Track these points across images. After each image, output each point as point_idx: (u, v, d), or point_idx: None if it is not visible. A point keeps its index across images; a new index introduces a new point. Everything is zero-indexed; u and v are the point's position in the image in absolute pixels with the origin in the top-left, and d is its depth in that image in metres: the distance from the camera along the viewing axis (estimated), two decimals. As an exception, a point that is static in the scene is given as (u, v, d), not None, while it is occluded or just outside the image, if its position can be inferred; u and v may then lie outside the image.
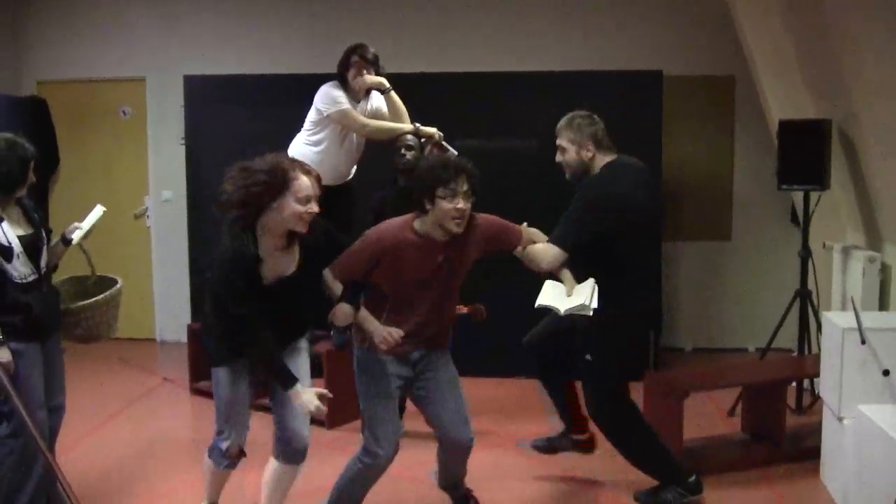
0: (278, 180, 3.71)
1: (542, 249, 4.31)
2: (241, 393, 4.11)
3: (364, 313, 4.09)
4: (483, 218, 4.16)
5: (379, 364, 4.14)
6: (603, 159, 4.50)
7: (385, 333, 4.02)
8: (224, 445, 4.17)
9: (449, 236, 4.01)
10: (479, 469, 4.90)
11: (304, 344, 4.24)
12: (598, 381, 4.61)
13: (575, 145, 4.50)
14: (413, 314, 4.11)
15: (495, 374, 6.98)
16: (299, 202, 3.74)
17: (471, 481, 4.73)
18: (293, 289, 3.95)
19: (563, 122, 4.57)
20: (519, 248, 4.28)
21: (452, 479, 4.58)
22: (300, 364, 4.13)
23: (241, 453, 4.25)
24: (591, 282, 4.28)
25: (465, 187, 3.93)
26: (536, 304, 4.28)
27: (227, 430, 4.17)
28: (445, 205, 3.90)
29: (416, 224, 4.04)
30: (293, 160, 3.95)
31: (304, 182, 3.76)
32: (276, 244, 3.84)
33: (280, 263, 3.89)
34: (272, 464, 4.20)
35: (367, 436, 4.13)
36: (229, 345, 3.99)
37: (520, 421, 6.14)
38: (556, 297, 4.30)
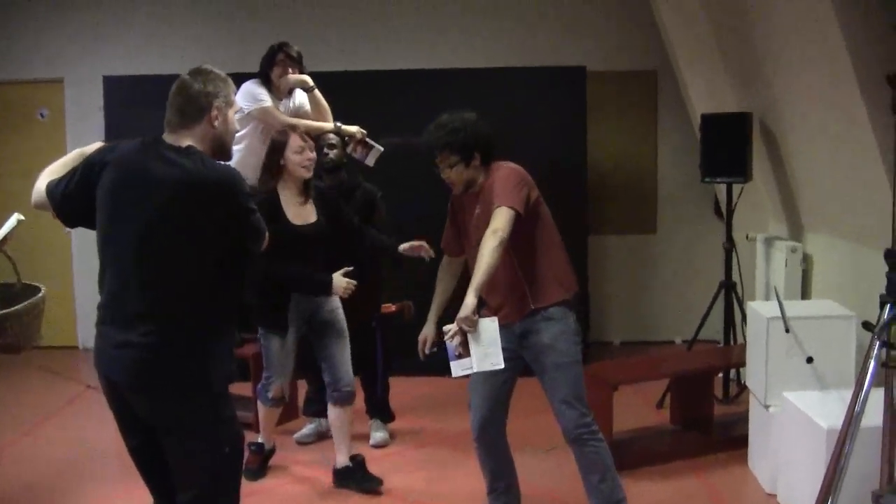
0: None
1: None
2: (287, 351, 4.98)
3: None
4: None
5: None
6: None
7: None
8: (270, 391, 5.07)
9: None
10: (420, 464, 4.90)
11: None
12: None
13: None
14: None
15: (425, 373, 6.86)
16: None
17: (412, 477, 4.75)
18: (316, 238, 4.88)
19: None
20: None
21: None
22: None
23: (283, 398, 5.19)
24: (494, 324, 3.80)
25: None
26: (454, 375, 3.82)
27: (273, 378, 5.04)
28: None
29: None
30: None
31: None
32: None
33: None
34: (330, 410, 5.06)
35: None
36: (272, 301, 4.89)
37: (452, 417, 6.10)
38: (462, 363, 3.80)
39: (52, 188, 3.23)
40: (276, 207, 4.79)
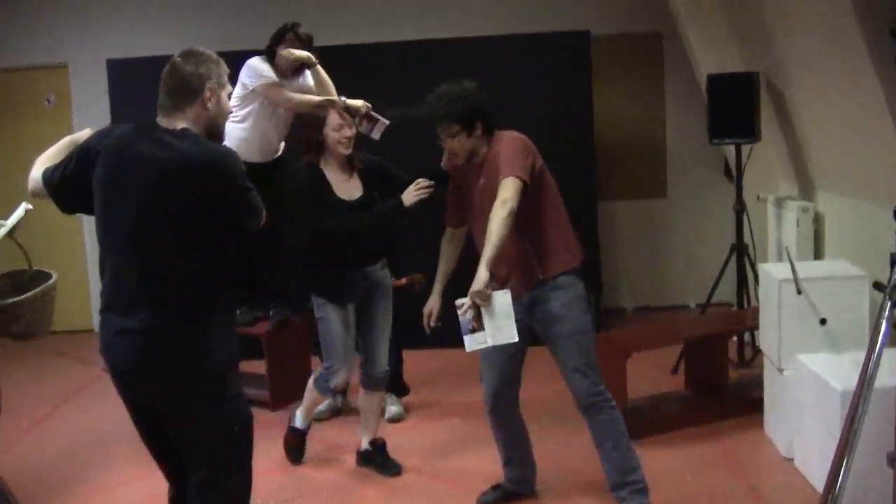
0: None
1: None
2: (350, 331, 4.83)
3: None
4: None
5: None
6: None
7: None
8: (333, 381, 4.89)
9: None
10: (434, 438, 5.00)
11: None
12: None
13: None
14: None
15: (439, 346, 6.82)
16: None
17: (428, 451, 4.89)
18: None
19: None
20: None
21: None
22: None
23: (343, 389, 5.24)
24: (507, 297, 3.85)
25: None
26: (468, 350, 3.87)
27: (335, 367, 4.84)
28: None
29: None
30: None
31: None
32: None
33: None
34: (360, 393, 5.01)
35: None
36: (327, 269, 4.78)
37: (465, 390, 6.13)
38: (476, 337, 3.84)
39: (48, 175, 3.23)
40: (324, 183, 4.77)
